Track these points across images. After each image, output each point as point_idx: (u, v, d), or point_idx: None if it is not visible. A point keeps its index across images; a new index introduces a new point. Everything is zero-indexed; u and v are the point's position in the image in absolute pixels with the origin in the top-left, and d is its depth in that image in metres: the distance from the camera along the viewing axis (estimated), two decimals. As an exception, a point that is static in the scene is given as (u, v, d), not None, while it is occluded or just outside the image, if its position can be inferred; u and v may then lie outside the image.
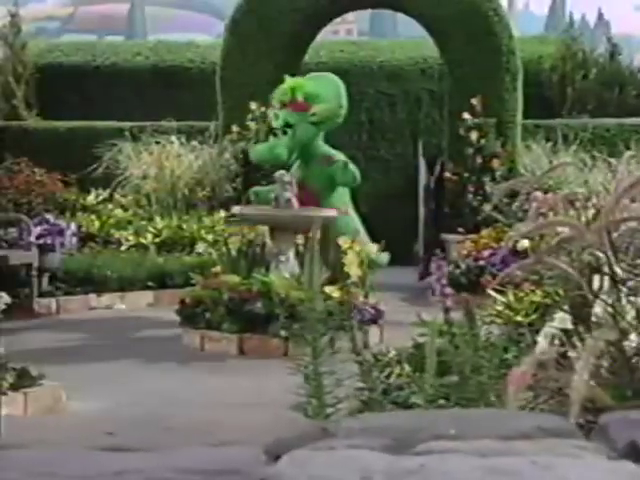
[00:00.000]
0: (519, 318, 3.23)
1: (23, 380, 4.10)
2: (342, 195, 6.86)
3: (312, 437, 1.21)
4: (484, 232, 7.87)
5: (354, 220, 6.87)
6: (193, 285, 6.59)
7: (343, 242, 5.94)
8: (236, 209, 6.42)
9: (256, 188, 7.40)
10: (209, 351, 5.68)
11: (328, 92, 6.87)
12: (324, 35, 10.64)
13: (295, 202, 6.15)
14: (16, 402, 3.95)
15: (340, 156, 6.90)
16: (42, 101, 11.45)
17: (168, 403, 4.39)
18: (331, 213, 6.03)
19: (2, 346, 4.22)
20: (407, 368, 3.35)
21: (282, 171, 6.38)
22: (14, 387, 3.99)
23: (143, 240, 8.54)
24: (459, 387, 1.65)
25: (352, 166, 6.74)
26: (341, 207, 6.68)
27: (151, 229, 8.73)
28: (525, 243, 3.72)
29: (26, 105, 11.43)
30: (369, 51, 11.44)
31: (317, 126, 6.76)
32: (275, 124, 6.81)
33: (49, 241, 7.40)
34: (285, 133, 6.72)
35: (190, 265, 7.92)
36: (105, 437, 1.29)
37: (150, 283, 7.83)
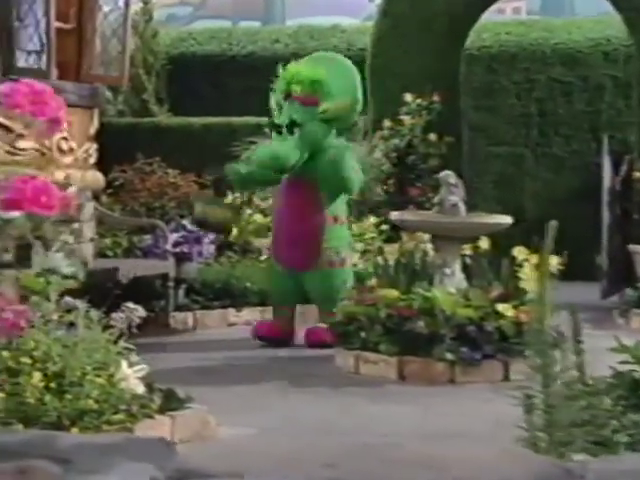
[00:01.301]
0: None
1: (170, 402, 4.26)
2: (340, 201, 6.84)
3: (555, 478, 1.22)
4: (684, 243, 7.59)
5: (348, 231, 7.09)
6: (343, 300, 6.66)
7: (518, 253, 5.88)
8: (394, 214, 6.46)
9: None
10: (365, 374, 5.74)
11: (342, 83, 6.61)
12: (488, 15, 10.56)
13: (462, 207, 6.13)
14: (163, 426, 4.11)
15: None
16: (173, 95, 11.87)
17: (329, 431, 4.47)
18: (505, 220, 5.98)
19: (146, 364, 4.41)
20: (607, 401, 3.27)
21: (447, 171, 6.37)
22: (161, 410, 4.15)
23: (285, 249, 8.70)
24: None
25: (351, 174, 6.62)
26: (339, 215, 6.78)
27: (294, 237, 8.88)
28: None
29: (156, 100, 11.86)
30: (540, 32, 11.27)
31: (328, 124, 6.61)
32: (278, 120, 6.61)
33: (186, 249, 7.66)
34: (291, 132, 6.49)
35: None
36: (321, 469, 1.34)
37: (293, 297, 7.97)
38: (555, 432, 2.01)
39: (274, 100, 6.72)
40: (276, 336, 6.77)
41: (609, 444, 2.08)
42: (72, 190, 1.29)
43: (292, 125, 6.50)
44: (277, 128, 6.60)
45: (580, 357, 2.06)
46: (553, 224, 2.17)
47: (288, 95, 6.54)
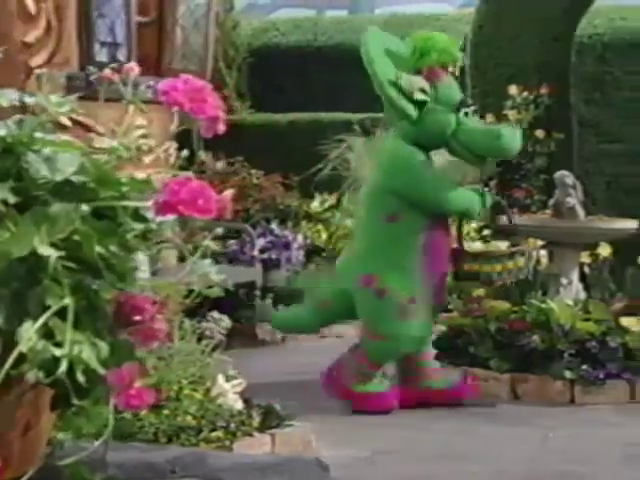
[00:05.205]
0: None
1: (270, 420, 4.30)
2: None
3: None
4: None
5: None
6: (449, 311, 6.63)
7: (644, 261, 5.80)
8: (503, 218, 6.39)
9: None
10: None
11: None
12: (600, -1, 10.43)
13: (581, 210, 6.07)
14: (263, 445, 4.15)
15: None
16: (255, 90, 11.96)
17: (447, 456, 4.46)
18: (631, 225, 5.89)
19: (243, 378, 4.46)
20: None
21: (564, 171, 6.31)
22: (261, 427, 4.19)
23: (379, 255, 8.71)
24: None
25: None
26: None
27: (388, 242, 8.90)
28: None
29: (238, 95, 11.97)
30: (660, 17, 11.06)
31: None
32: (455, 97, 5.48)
33: (274, 256, 7.73)
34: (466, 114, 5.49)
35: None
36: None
37: (388, 308, 7.97)
38: None
39: (405, 75, 5.40)
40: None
41: None
42: (228, 193, 1.31)
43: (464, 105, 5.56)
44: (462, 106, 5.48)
45: None
46: None
47: (443, 70, 5.44)
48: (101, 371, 1.24)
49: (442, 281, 5.49)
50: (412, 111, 5.35)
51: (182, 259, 7.80)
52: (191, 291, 1.60)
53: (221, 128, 1.36)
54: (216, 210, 1.34)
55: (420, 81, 5.35)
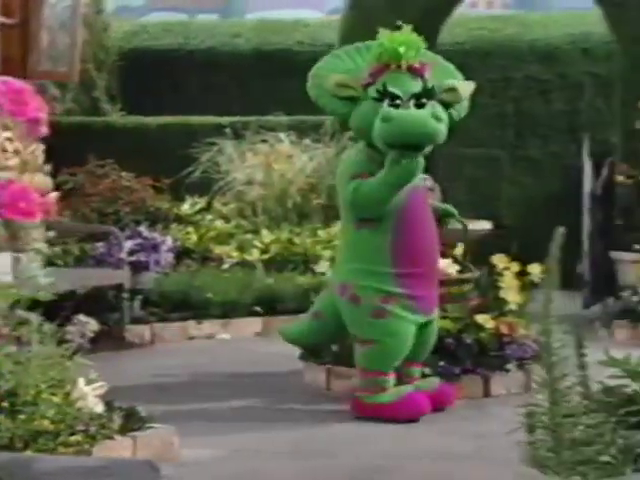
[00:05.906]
0: None
1: (131, 422, 4.26)
2: None
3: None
4: (669, 249, 7.71)
5: None
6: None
7: (498, 261, 5.94)
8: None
9: None
10: (337, 390, 5.75)
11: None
12: (460, 9, 10.65)
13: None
14: (123, 448, 4.10)
15: None
16: (126, 93, 11.84)
17: (298, 453, 4.48)
18: (484, 226, 6.03)
19: (105, 381, 4.40)
20: (595, 418, 3.28)
21: (422, 174, 6.39)
22: (122, 430, 4.14)
23: (248, 257, 8.72)
24: None
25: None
26: None
27: (257, 244, 8.91)
28: None
29: (108, 98, 11.82)
30: (516, 27, 11.38)
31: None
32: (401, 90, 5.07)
33: (143, 258, 7.65)
34: (421, 106, 5.02)
35: (304, 287, 8.03)
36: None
37: (258, 308, 7.98)
38: (564, 452, 2.03)
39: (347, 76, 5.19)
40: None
41: (616, 464, 2.10)
42: (53, 195, 1.28)
43: (423, 96, 5.07)
44: (395, 98, 5.05)
45: (584, 371, 2.07)
46: (560, 230, 2.20)
47: (384, 67, 5.19)
48: None
49: (426, 284, 5.22)
50: (332, 105, 5.20)
51: (50, 263, 7.58)
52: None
53: (44, 130, 1.33)
54: (40, 212, 1.32)
55: (340, 78, 5.14)
